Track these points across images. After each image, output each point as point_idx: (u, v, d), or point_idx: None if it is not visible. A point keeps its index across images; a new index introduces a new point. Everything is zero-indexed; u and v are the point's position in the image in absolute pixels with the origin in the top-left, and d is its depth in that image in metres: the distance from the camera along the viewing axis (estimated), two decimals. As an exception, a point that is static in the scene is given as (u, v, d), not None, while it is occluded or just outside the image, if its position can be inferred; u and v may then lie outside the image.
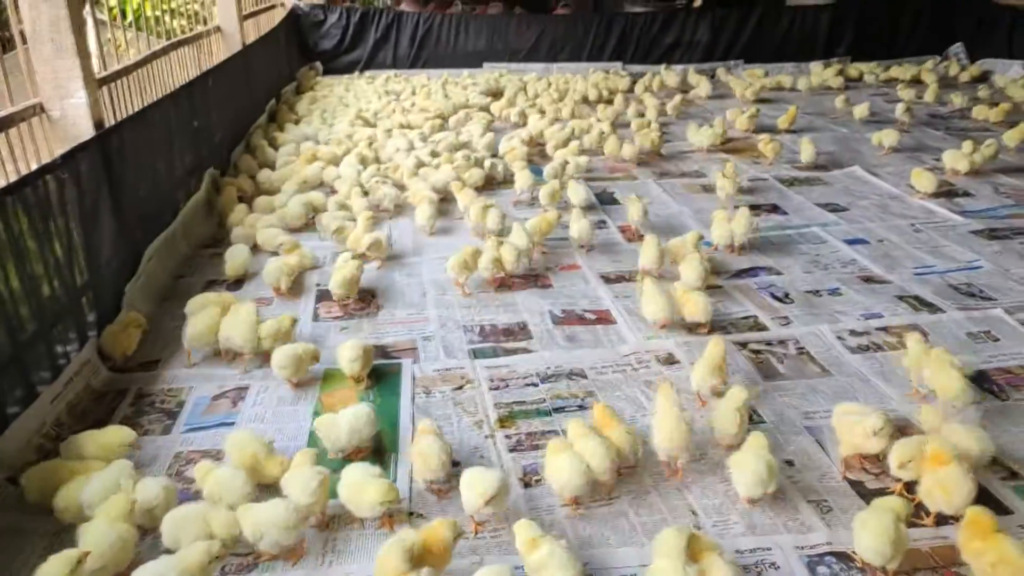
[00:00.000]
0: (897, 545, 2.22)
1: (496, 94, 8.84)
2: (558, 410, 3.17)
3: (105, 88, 4.71)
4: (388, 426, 3.07)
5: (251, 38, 8.07)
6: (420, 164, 6.01)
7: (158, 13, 6.56)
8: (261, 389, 3.35)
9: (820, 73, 9.73)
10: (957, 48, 10.65)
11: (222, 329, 3.48)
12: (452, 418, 3.13)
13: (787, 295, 4.15)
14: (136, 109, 4.95)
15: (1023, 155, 6.43)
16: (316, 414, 3.13)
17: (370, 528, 2.55)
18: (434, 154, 6.21)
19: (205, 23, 7.46)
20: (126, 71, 5.21)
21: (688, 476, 2.78)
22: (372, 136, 6.71)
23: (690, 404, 3.19)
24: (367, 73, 10.13)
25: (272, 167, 6.03)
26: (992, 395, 3.24)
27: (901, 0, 10.71)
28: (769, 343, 3.67)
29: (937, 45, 10.77)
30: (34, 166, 3.65)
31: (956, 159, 5.98)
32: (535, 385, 3.35)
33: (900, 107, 7.54)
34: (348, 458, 2.84)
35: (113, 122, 4.39)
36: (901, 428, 2.92)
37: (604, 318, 3.94)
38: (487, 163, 5.91)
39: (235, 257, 4.36)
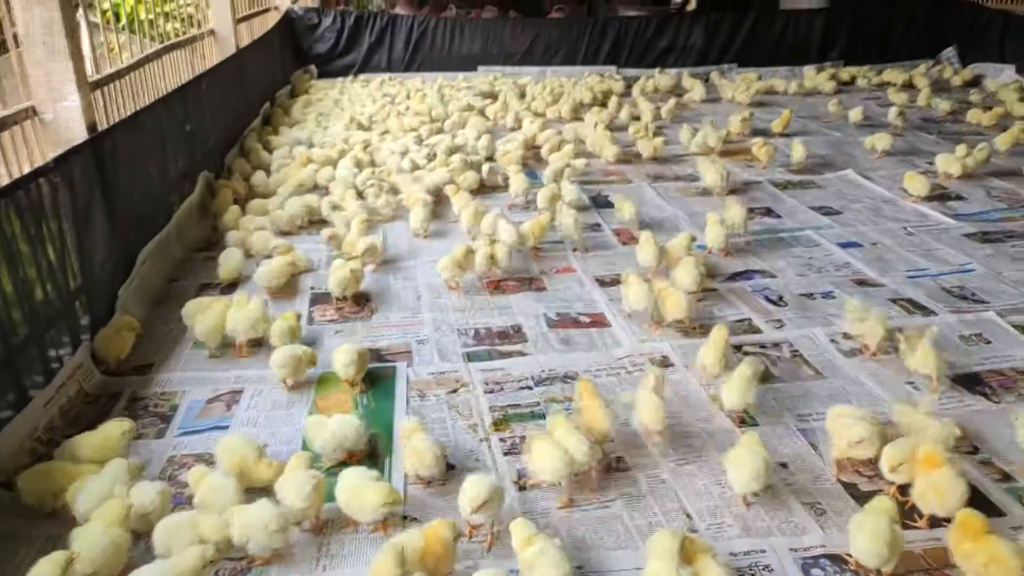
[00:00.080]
0: (893, 547, 2.23)
1: (491, 97, 8.85)
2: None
3: (98, 91, 4.71)
4: (383, 430, 3.06)
5: (245, 41, 8.07)
6: (415, 167, 6.02)
7: (151, 16, 6.55)
8: (255, 393, 3.34)
9: (812, 77, 9.77)
10: (949, 52, 10.71)
11: (230, 322, 3.56)
12: (447, 421, 3.13)
13: (781, 298, 4.16)
14: (129, 112, 4.94)
15: (1015, 159, 6.47)
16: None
17: (364, 532, 2.54)
18: (430, 157, 6.22)
19: (199, 26, 7.45)
20: (119, 74, 5.21)
21: (682, 479, 2.78)
22: (367, 140, 6.71)
23: (685, 405, 3.20)
24: (362, 76, 10.12)
25: (266, 170, 6.03)
26: (984, 397, 3.25)
27: (894, 4, 10.78)
28: (763, 346, 3.68)
29: (930, 49, 10.82)
30: (27, 169, 3.64)
31: (949, 163, 6.00)
32: (529, 388, 3.35)
33: (893, 111, 7.57)
34: (344, 462, 2.84)
35: (106, 125, 4.39)
36: (895, 432, 2.93)
37: (599, 321, 3.95)
38: (484, 168, 5.89)
39: (228, 261, 4.35)
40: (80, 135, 4.02)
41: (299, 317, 3.69)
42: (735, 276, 4.44)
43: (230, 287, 4.30)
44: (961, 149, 6.13)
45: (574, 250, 4.79)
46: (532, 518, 2.54)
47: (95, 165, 3.80)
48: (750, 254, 4.73)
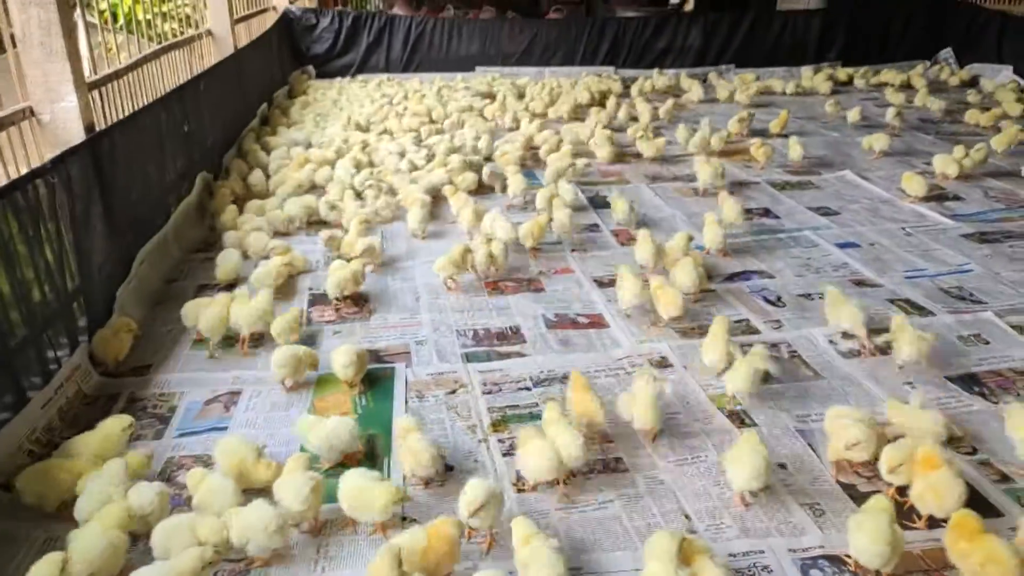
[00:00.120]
0: (895, 547, 2.24)
1: (490, 97, 8.85)
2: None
3: (96, 92, 4.70)
4: (381, 431, 3.06)
5: (243, 42, 8.05)
6: (413, 168, 6.02)
7: (149, 17, 6.55)
8: (254, 394, 3.34)
9: (810, 78, 9.78)
10: (946, 53, 10.72)
11: (234, 316, 3.62)
12: (445, 422, 3.13)
13: (779, 299, 4.17)
14: (127, 113, 4.93)
15: (1012, 159, 6.48)
16: (309, 419, 3.11)
17: (363, 534, 2.54)
18: (428, 158, 6.22)
19: (197, 27, 7.44)
20: (117, 75, 5.20)
21: (681, 479, 2.78)
22: (365, 140, 6.70)
23: (684, 406, 3.20)
24: (360, 77, 10.11)
25: (264, 171, 6.02)
26: (982, 398, 3.25)
27: (892, 5, 10.79)
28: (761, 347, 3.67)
29: (927, 50, 10.84)
30: (24, 170, 3.63)
31: (946, 163, 6.01)
32: (528, 389, 3.35)
33: (891, 111, 7.58)
34: (343, 463, 2.84)
35: (104, 126, 4.38)
36: (893, 433, 2.93)
37: (597, 322, 3.95)
38: (485, 172, 5.85)
39: (227, 262, 4.35)
40: (78, 136, 4.01)
41: (302, 313, 3.77)
42: (733, 277, 4.44)
43: (228, 288, 4.29)
44: (959, 150, 6.14)
45: (572, 251, 4.80)
46: (530, 519, 2.54)
47: (93, 166, 3.79)
48: (748, 254, 4.73)
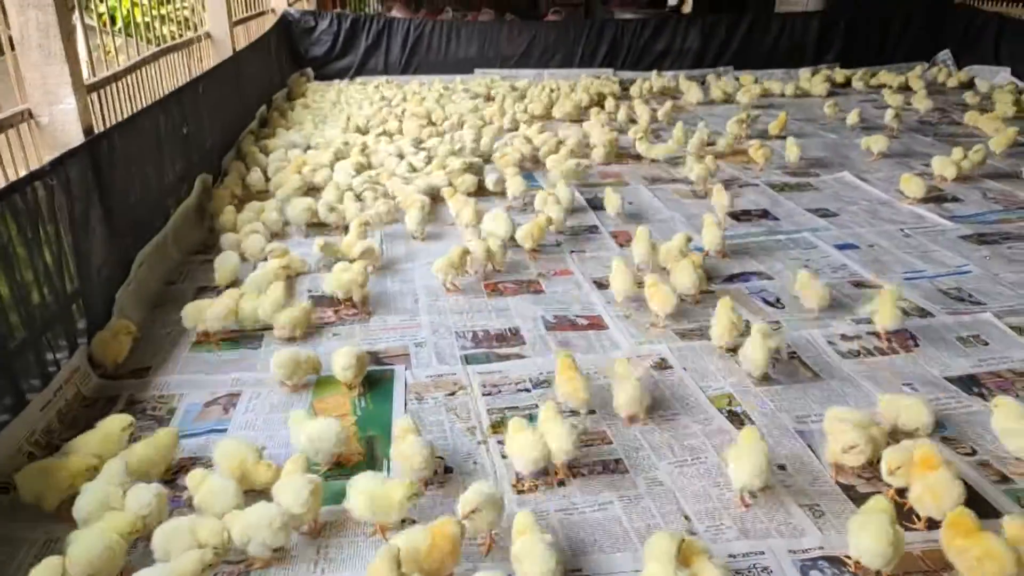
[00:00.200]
0: (897, 546, 2.24)
1: (489, 99, 8.85)
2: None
3: (94, 94, 4.69)
4: (381, 432, 3.06)
5: (241, 44, 8.05)
6: (412, 170, 6.02)
7: (148, 19, 6.55)
8: (253, 396, 3.34)
9: (808, 79, 9.79)
10: (945, 55, 10.74)
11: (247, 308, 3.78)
12: (445, 424, 3.13)
13: (778, 300, 4.17)
14: (126, 115, 4.93)
15: (1011, 160, 6.49)
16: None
17: (362, 535, 2.54)
18: (427, 160, 6.22)
19: (195, 29, 7.44)
20: (115, 77, 5.19)
21: (681, 481, 2.78)
22: (364, 143, 6.70)
23: (683, 407, 3.21)
24: (358, 79, 10.12)
25: (263, 173, 6.02)
26: (981, 399, 3.25)
27: (890, 7, 10.80)
28: (761, 348, 3.68)
29: (925, 52, 10.86)
30: (23, 172, 3.63)
31: (945, 165, 6.01)
32: (527, 391, 3.35)
33: (889, 113, 7.59)
34: (341, 464, 2.85)
35: (103, 128, 4.38)
36: (892, 434, 2.94)
37: (596, 324, 3.95)
38: (490, 181, 5.81)
39: (225, 264, 4.35)
40: (76, 138, 4.01)
41: (312, 307, 3.87)
42: (732, 278, 4.45)
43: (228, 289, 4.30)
44: (957, 151, 6.15)
45: (571, 252, 4.80)
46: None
47: (92, 168, 3.79)
48: (747, 256, 4.73)
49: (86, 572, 2.19)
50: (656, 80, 9.69)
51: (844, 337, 3.74)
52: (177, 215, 4.94)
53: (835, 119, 8.02)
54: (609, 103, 8.40)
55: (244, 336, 3.83)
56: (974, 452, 2.91)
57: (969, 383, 3.37)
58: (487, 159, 6.44)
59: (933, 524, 2.49)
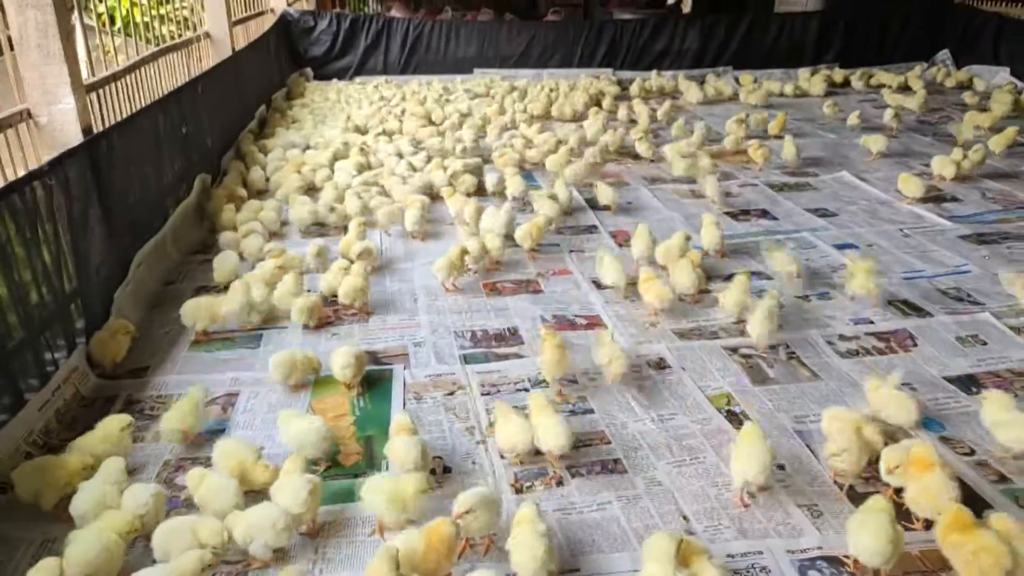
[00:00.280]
0: (896, 544, 2.24)
1: (488, 99, 8.85)
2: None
3: (93, 94, 4.69)
4: (380, 432, 3.06)
5: (241, 44, 8.04)
6: (412, 169, 6.02)
7: (147, 19, 6.54)
8: (251, 395, 3.34)
9: (807, 79, 9.79)
10: (944, 54, 10.74)
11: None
12: (443, 424, 3.13)
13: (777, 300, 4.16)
14: (125, 115, 4.93)
15: (1010, 160, 6.49)
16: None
17: (361, 536, 2.54)
18: (427, 160, 6.22)
19: (194, 29, 7.44)
20: (114, 77, 5.19)
21: (679, 481, 2.79)
22: (364, 142, 6.70)
23: (682, 407, 3.21)
24: (358, 79, 10.11)
25: (263, 172, 6.02)
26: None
27: (889, 7, 10.80)
28: (759, 348, 3.68)
29: (925, 52, 10.86)
30: (21, 172, 3.63)
31: (944, 164, 6.01)
32: (526, 390, 3.35)
33: (888, 112, 7.59)
34: (339, 464, 2.85)
35: (102, 128, 4.38)
36: (891, 434, 2.94)
37: (595, 323, 3.94)
38: (490, 182, 5.81)
39: (224, 264, 4.35)
40: (75, 138, 4.01)
41: (324, 300, 4.00)
42: (731, 278, 4.43)
43: (226, 290, 4.29)
44: (957, 151, 6.15)
45: (570, 252, 4.80)
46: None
47: (90, 168, 3.79)
48: (746, 255, 4.73)
49: (84, 573, 2.19)
50: (655, 80, 9.70)
51: (843, 337, 3.75)
52: (176, 215, 4.94)
53: (834, 119, 8.02)
54: (607, 102, 8.39)
55: (242, 336, 3.83)
56: (972, 452, 2.92)
57: (968, 383, 3.37)
58: (487, 159, 6.43)
59: (931, 524, 2.49)
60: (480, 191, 5.81)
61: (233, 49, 7.63)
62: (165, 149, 4.98)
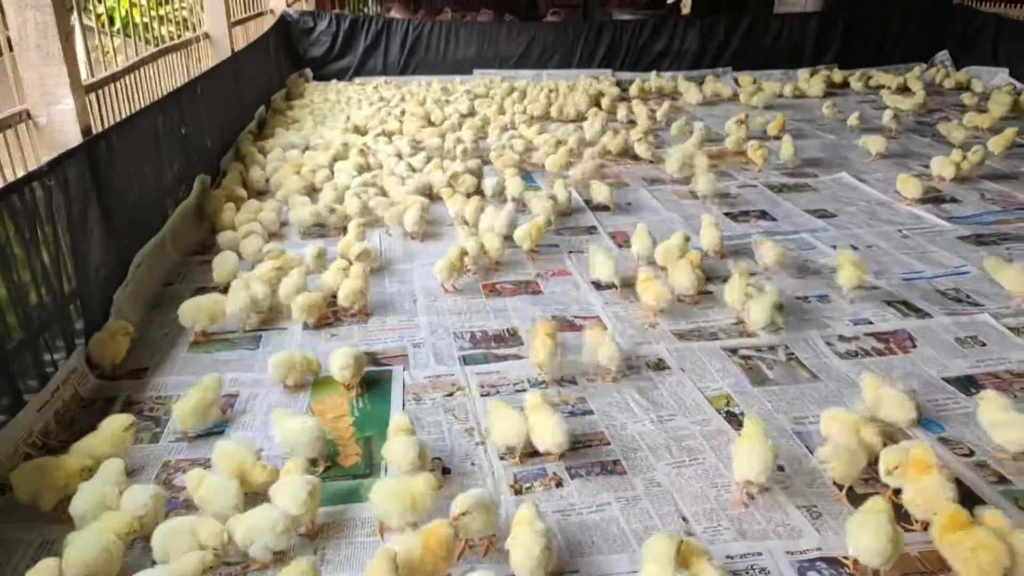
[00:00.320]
0: (896, 544, 2.24)
1: (487, 100, 8.84)
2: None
3: (93, 95, 4.69)
4: (378, 433, 3.05)
5: (240, 45, 8.04)
6: (412, 170, 6.02)
7: (146, 20, 6.55)
8: (251, 396, 3.34)
9: (806, 80, 9.79)
10: (943, 55, 10.75)
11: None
12: (443, 425, 3.13)
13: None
14: (124, 116, 4.93)
15: (1009, 161, 6.49)
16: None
17: (360, 537, 2.54)
18: (426, 160, 6.22)
19: (194, 30, 7.44)
20: (114, 78, 5.19)
21: (679, 482, 2.79)
22: (363, 143, 6.70)
23: (681, 408, 3.21)
24: (357, 80, 10.11)
25: (262, 173, 6.02)
26: (980, 400, 3.25)
27: (888, 7, 10.81)
28: (759, 349, 3.68)
29: (924, 52, 10.86)
30: (20, 173, 3.62)
31: (943, 165, 6.01)
32: (525, 391, 3.34)
33: (887, 113, 7.59)
34: (339, 464, 2.85)
35: (101, 129, 4.37)
36: (890, 435, 2.94)
37: (595, 324, 3.94)
38: (488, 185, 5.76)
39: (223, 264, 4.34)
40: (74, 139, 4.00)
41: (325, 299, 3.98)
42: (730, 278, 4.43)
43: (225, 291, 4.29)
44: (956, 152, 6.15)
45: (570, 253, 4.80)
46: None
47: (90, 169, 3.79)
48: (745, 256, 4.73)
49: (83, 574, 2.19)
50: (655, 81, 9.70)
51: (842, 338, 3.75)
52: (175, 216, 4.93)
53: (833, 120, 8.02)
54: (607, 103, 8.39)
55: (242, 337, 3.83)
56: (972, 453, 2.92)
57: (967, 384, 3.37)
58: (486, 160, 6.43)
59: (929, 526, 2.49)
60: (480, 191, 5.81)
61: (232, 50, 7.63)
62: (164, 150, 4.98)
